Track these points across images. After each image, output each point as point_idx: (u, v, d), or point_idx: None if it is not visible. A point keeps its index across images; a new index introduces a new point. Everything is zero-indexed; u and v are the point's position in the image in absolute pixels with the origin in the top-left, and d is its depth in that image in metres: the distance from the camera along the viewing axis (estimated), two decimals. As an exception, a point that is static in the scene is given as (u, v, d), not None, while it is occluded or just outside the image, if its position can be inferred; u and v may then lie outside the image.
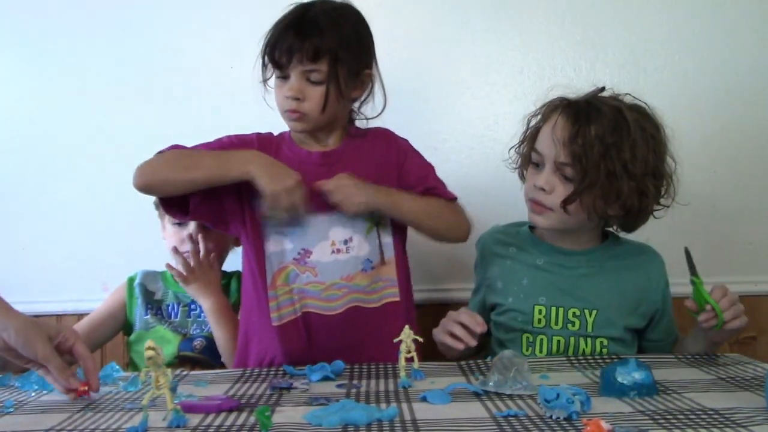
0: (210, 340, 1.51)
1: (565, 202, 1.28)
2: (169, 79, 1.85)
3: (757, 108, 1.83)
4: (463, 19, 1.84)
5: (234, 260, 1.59)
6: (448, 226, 1.39)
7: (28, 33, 1.87)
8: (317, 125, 1.36)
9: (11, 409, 1.03)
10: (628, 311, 1.35)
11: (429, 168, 1.45)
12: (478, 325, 1.20)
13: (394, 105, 1.83)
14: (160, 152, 1.32)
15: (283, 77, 1.32)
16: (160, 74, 1.85)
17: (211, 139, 1.40)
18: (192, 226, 1.52)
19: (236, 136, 1.41)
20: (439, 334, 1.25)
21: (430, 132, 1.84)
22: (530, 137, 1.37)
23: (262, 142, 1.40)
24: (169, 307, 1.54)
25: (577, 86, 1.79)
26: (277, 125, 1.42)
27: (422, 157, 1.46)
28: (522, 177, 1.43)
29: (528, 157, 1.36)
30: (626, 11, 1.84)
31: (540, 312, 1.34)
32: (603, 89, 1.34)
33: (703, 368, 1.17)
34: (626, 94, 1.33)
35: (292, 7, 1.32)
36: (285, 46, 1.28)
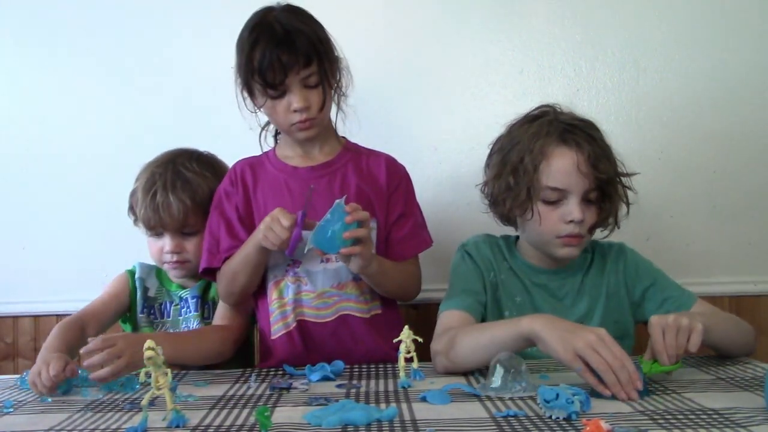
0: None
1: (597, 225, 1.31)
2: (169, 79, 1.85)
3: (757, 108, 1.83)
4: (463, 19, 1.84)
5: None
6: (408, 295, 1.45)
7: (29, 34, 1.87)
8: (321, 126, 1.38)
9: (11, 409, 1.03)
10: (618, 313, 1.35)
11: (412, 212, 1.44)
12: (638, 380, 0.99)
13: (394, 105, 1.84)
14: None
15: (278, 96, 1.31)
16: (160, 75, 1.85)
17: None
18: (167, 238, 1.45)
19: (225, 191, 1.42)
20: (587, 375, 1.01)
21: (430, 132, 1.84)
22: (526, 175, 1.28)
23: (243, 177, 1.42)
24: (163, 306, 1.52)
25: (577, 86, 1.83)
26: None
27: (413, 193, 1.47)
28: (506, 220, 1.37)
29: (528, 195, 1.28)
30: (626, 11, 1.84)
31: None
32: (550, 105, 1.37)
33: (703, 368, 1.17)
34: (555, 103, 1.37)
35: (252, 28, 1.30)
36: (276, 65, 1.26)
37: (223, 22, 1.82)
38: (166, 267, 1.49)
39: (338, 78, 1.37)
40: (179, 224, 1.43)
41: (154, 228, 1.45)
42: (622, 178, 1.32)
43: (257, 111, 1.37)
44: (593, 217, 1.29)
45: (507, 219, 1.37)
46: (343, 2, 1.82)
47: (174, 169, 1.45)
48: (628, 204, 1.33)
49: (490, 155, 1.40)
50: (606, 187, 1.28)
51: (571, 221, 1.27)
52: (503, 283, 1.36)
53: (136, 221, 1.48)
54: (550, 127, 1.30)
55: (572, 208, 1.26)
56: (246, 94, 1.35)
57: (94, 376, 1.12)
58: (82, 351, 1.15)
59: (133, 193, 1.48)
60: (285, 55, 1.27)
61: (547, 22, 1.84)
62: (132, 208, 1.49)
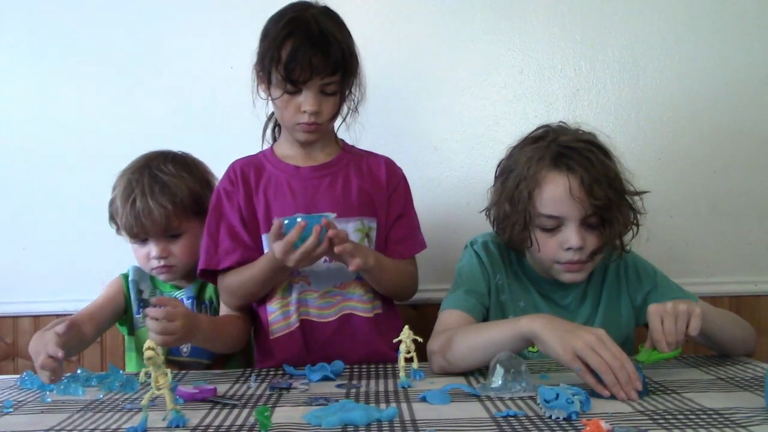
0: None
1: (600, 249, 1.25)
2: (169, 79, 1.85)
3: (757, 107, 1.83)
4: (463, 20, 1.84)
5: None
6: (405, 294, 1.44)
7: (29, 34, 1.87)
8: (324, 132, 1.38)
9: (11, 410, 1.03)
10: (619, 318, 1.35)
11: (410, 214, 1.45)
12: (637, 381, 0.99)
13: (394, 105, 1.84)
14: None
15: (294, 92, 1.31)
16: (160, 75, 1.85)
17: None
18: (152, 244, 1.44)
19: (225, 190, 1.40)
20: (587, 375, 1.01)
21: (430, 132, 1.84)
22: (521, 203, 1.25)
23: (244, 176, 1.40)
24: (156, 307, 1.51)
25: (577, 86, 1.83)
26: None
27: (411, 195, 1.47)
28: (510, 246, 1.34)
29: (525, 224, 1.25)
30: (626, 11, 1.84)
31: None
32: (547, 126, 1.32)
33: (703, 368, 1.17)
34: (562, 122, 1.33)
35: (289, 20, 1.29)
36: (306, 64, 1.26)
37: (223, 23, 1.84)
38: (154, 272, 1.47)
39: (354, 93, 1.38)
40: (162, 229, 1.42)
41: (138, 235, 1.44)
42: (629, 199, 1.26)
43: (268, 99, 1.37)
44: (595, 242, 1.24)
45: (510, 246, 1.34)
46: (343, 2, 1.82)
47: (150, 173, 1.44)
48: (637, 225, 1.28)
49: (495, 178, 1.37)
50: (604, 212, 1.23)
51: (569, 248, 1.23)
52: (509, 287, 1.35)
53: (118, 230, 1.47)
54: (545, 151, 1.25)
55: (569, 236, 1.23)
56: (259, 82, 1.35)
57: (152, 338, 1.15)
58: (147, 309, 1.18)
59: (111, 202, 1.47)
60: (317, 58, 1.27)
61: (547, 22, 1.84)
62: (113, 218, 1.47)
